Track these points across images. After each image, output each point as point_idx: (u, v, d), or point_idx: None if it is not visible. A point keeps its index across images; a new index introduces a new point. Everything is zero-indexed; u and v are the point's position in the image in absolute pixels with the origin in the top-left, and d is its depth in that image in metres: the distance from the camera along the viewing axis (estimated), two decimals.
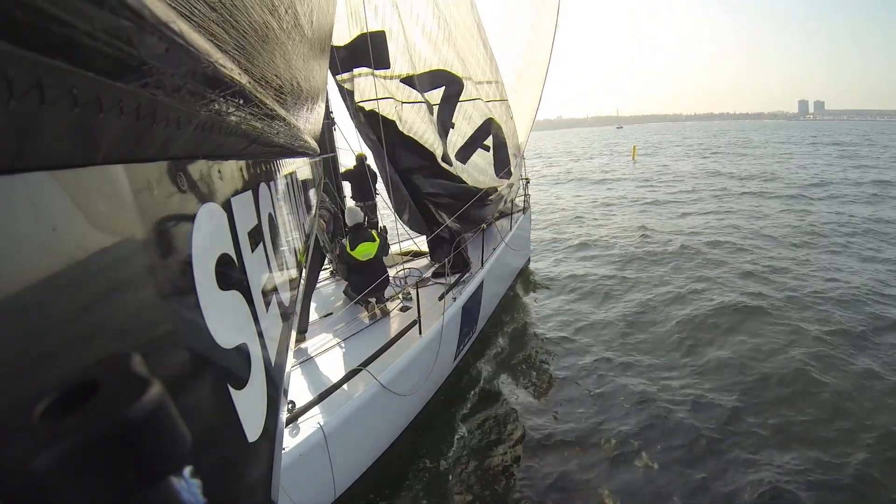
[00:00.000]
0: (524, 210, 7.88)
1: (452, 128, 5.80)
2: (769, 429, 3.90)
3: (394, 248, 6.48)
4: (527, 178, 8.31)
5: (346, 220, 4.68)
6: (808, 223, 10.98)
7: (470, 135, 5.99)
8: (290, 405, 2.82)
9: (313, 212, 2.54)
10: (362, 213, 4.85)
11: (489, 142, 6.15)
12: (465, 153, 5.98)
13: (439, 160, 5.44)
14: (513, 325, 6.22)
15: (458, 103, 5.77)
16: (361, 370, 3.30)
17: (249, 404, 0.61)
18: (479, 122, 5.99)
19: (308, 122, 1.76)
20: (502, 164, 6.59)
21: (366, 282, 4.43)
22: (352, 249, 4.42)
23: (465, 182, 5.78)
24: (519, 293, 7.38)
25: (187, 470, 0.30)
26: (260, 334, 0.74)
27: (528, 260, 8.63)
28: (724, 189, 16.80)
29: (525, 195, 8.12)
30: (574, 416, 4.22)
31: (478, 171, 6.12)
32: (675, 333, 5.71)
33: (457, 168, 5.74)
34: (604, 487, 3.38)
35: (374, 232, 4.59)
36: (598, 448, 3.80)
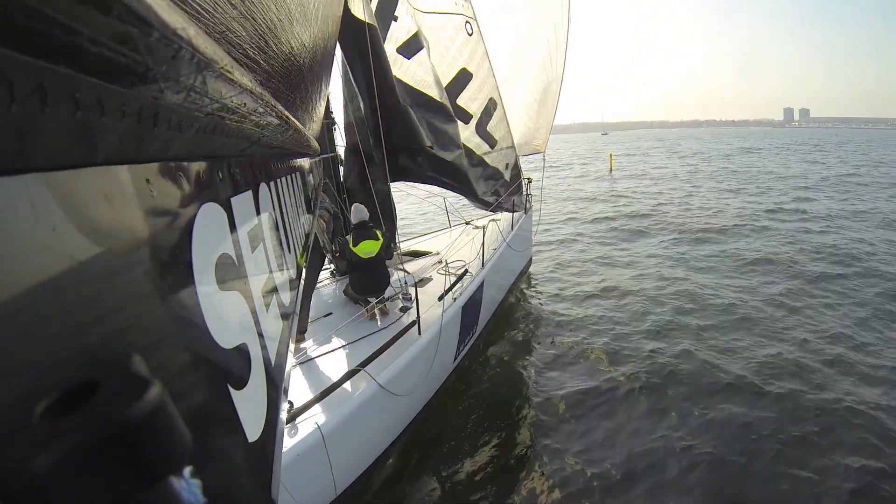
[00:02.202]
0: (526, 210, 7.87)
1: (395, 20, 5.61)
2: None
3: None
4: (528, 178, 8.29)
5: (351, 217, 4.68)
6: None
7: (413, 32, 5.69)
8: (288, 405, 2.82)
9: (313, 212, 2.54)
10: (367, 212, 4.85)
11: None
12: (407, 49, 5.69)
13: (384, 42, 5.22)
14: (513, 325, 6.22)
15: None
16: (360, 370, 3.30)
17: (249, 404, 0.62)
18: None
19: (308, 122, 1.76)
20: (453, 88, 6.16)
21: (366, 280, 4.44)
22: (354, 246, 4.42)
23: (411, 86, 5.53)
24: (520, 294, 7.37)
25: (187, 470, 0.30)
26: (260, 334, 0.74)
27: (530, 261, 8.60)
28: None
29: (527, 195, 8.11)
30: (576, 417, 4.22)
31: (424, 69, 5.76)
32: (686, 320, 5.71)
33: (397, 61, 5.49)
34: (604, 490, 3.38)
35: (378, 231, 4.60)
36: (600, 449, 3.80)
